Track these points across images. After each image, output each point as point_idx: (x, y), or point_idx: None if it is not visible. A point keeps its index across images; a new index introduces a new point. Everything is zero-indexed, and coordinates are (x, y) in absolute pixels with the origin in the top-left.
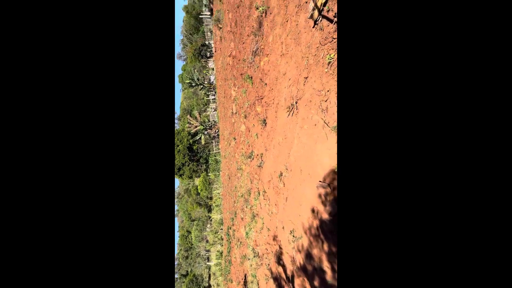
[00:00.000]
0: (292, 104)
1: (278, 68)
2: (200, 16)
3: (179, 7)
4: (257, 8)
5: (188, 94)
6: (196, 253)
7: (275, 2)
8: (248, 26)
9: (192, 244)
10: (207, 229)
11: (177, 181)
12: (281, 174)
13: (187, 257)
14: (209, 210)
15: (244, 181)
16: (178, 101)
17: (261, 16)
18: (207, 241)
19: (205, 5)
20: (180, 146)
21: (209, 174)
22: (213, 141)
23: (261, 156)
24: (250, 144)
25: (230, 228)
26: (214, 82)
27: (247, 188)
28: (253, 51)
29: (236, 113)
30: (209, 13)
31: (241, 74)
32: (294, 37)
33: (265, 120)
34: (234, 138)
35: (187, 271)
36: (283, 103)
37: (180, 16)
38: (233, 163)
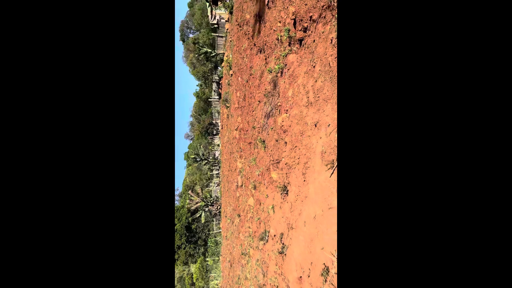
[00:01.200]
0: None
1: (305, 120)
2: (209, 100)
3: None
4: (270, 72)
5: (192, 170)
6: None
7: (293, 57)
8: (258, 94)
9: None
10: None
11: None
12: (326, 271)
13: None
14: None
15: (252, 271)
16: (181, 177)
17: (276, 76)
18: None
19: (214, 90)
20: (177, 225)
21: (207, 259)
22: (214, 219)
23: (282, 238)
24: (262, 221)
25: None
26: (218, 157)
27: (258, 284)
28: (266, 113)
29: (242, 185)
30: (217, 97)
31: (250, 143)
32: (330, 76)
33: (285, 187)
34: (239, 215)
35: None
36: (318, 161)
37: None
38: (236, 246)
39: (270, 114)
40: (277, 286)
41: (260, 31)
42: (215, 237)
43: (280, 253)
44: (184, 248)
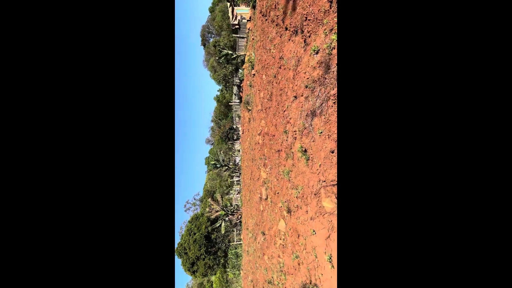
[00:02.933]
0: None
1: None
2: (229, 104)
3: (211, 97)
4: (316, 51)
5: (212, 175)
6: None
7: None
8: (295, 87)
9: None
10: None
11: (189, 275)
12: None
13: None
14: None
15: None
16: (202, 182)
17: (329, 55)
18: None
19: (235, 94)
20: (197, 234)
21: (228, 270)
22: (235, 229)
23: None
24: (303, 264)
25: None
26: (239, 163)
27: None
28: (310, 111)
29: (266, 199)
30: (238, 100)
31: (279, 150)
32: None
33: None
34: (263, 233)
35: None
36: None
37: (212, 107)
38: (260, 267)
39: (318, 111)
40: None
41: (295, 7)
42: (236, 248)
43: None
44: (204, 260)
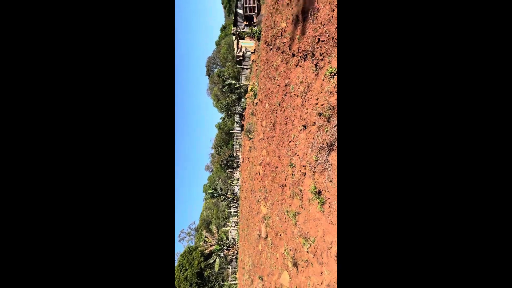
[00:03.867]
0: None
1: None
2: (230, 131)
3: (212, 124)
4: (334, 75)
5: (209, 204)
6: None
7: None
8: (304, 115)
9: None
10: None
11: None
12: None
13: None
14: None
15: None
16: (199, 209)
17: None
18: None
19: (237, 122)
20: (189, 270)
21: None
22: (230, 265)
23: None
24: None
25: None
26: (237, 193)
27: None
28: (326, 144)
29: (266, 238)
30: (239, 128)
31: (282, 185)
32: None
33: None
34: (261, 278)
35: None
36: None
37: (213, 134)
38: None
39: (337, 144)
40: None
41: (304, 31)
42: None
43: None
44: None
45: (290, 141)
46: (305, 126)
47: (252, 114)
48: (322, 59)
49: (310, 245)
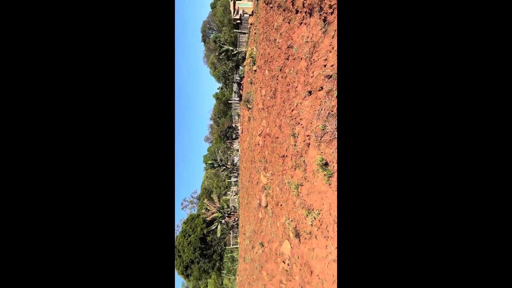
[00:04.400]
0: None
1: None
2: (229, 102)
3: (210, 95)
4: None
5: (210, 174)
6: None
7: None
8: (310, 79)
9: None
10: None
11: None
12: None
13: None
14: None
15: None
16: (200, 179)
17: None
18: None
19: (235, 92)
20: (192, 236)
21: (223, 273)
22: (231, 231)
23: None
24: None
25: None
26: (237, 163)
27: None
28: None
29: (266, 207)
30: (238, 98)
31: (283, 156)
32: None
33: None
34: (262, 245)
35: None
36: None
37: (211, 104)
38: (258, 280)
39: None
40: None
41: None
42: (232, 252)
43: None
44: (198, 263)
45: (292, 110)
46: (310, 92)
47: (251, 83)
48: (332, 12)
49: (315, 218)
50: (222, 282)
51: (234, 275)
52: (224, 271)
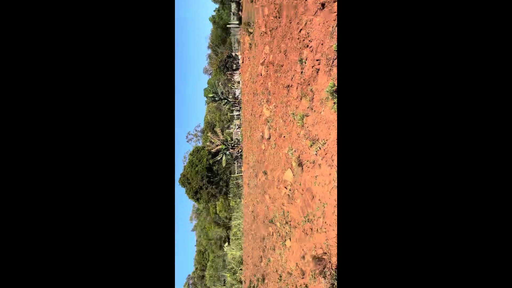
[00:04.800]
0: None
1: None
2: (227, 26)
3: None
4: None
5: (211, 108)
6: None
7: None
8: None
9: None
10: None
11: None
12: None
13: (202, 277)
14: (228, 228)
15: (283, 256)
16: (203, 113)
17: None
18: (224, 282)
19: (233, 13)
20: (199, 166)
21: (229, 197)
22: (236, 162)
23: None
24: (315, 228)
25: (254, 287)
26: (239, 96)
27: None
28: None
29: (269, 139)
30: (237, 22)
31: (288, 86)
32: None
33: None
34: (265, 173)
35: None
36: None
37: (208, 29)
38: (260, 203)
39: None
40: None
41: None
42: (237, 179)
43: None
44: (206, 189)
45: (300, 30)
46: (323, 5)
47: (252, 1)
48: None
49: (320, 148)
50: (229, 204)
51: (240, 198)
52: (231, 195)
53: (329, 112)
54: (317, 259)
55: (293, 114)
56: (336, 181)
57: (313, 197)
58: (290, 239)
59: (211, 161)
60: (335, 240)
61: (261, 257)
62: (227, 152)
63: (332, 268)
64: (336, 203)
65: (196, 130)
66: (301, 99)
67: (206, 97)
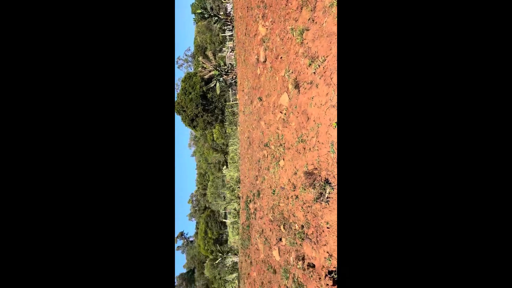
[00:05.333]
0: None
1: None
2: None
3: None
4: None
5: (201, 28)
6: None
7: None
8: None
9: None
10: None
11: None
12: None
13: (204, 195)
14: (225, 153)
15: (276, 174)
16: (192, 35)
17: None
18: (224, 198)
19: None
20: (192, 93)
21: (225, 125)
22: (230, 89)
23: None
24: (307, 147)
25: (251, 201)
26: (231, 12)
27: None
28: None
29: (265, 62)
30: None
31: None
32: None
33: None
34: (260, 99)
35: (205, 206)
36: None
37: None
38: (256, 129)
39: None
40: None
41: None
42: (232, 107)
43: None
44: (202, 117)
45: None
46: None
47: None
48: None
49: (319, 66)
50: (225, 131)
51: (236, 126)
52: (227, 123)
53: (332, 23)
54: (308, 174)
55: (292, 29)
56: (333, 100)
57: (308, 118)
58: (283, 159)
59: (204, 88)
60: (326, 157)
61: (256, 176)
62: (221, 78)
63: (321, 181)
64: (331, 122)
65: (186, 55)
66: (301, 10)
67: (195, 13)
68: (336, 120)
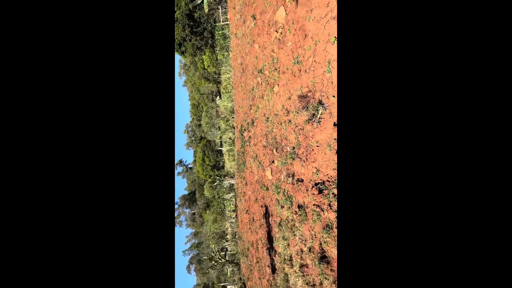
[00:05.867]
0: None
1: None
2: None
3: None
4: None
5: None
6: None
7: None
8: None
9: (203, 112)
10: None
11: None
12: None
13: (199, 125)
14: (218, 83)
15: (270, 102)
16: None
17: None
18: (218, 128)
19: None
20: (177, 12)
21: (216, 50)
22: (220, 6)
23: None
24: (303, 69)
25: (245, 129)
26: None
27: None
28: None
29: None
30: None
31: None
32: None
33: None
34: (254, 17)
35: (201, 136)
36: None
37: None
38: (250, 54)
39: None
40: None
41: None
42: (223, 29)
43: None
44: (190, 41)
45: None
46: None
47: None
48: None
49: None
50: (216, 58)
51: (227, 51)
52: (217, 48)
53: None
54: (302, 97)
55: None
56: (333, 11)
57: (306, 36)
58: (278, 85)
59: (190, 6)
60: (322, 77)
61: (250, 105)
62: None
63: (314, 102)
64: (330, 37)
65: None
66: None
67: None
68: (336, 35)
